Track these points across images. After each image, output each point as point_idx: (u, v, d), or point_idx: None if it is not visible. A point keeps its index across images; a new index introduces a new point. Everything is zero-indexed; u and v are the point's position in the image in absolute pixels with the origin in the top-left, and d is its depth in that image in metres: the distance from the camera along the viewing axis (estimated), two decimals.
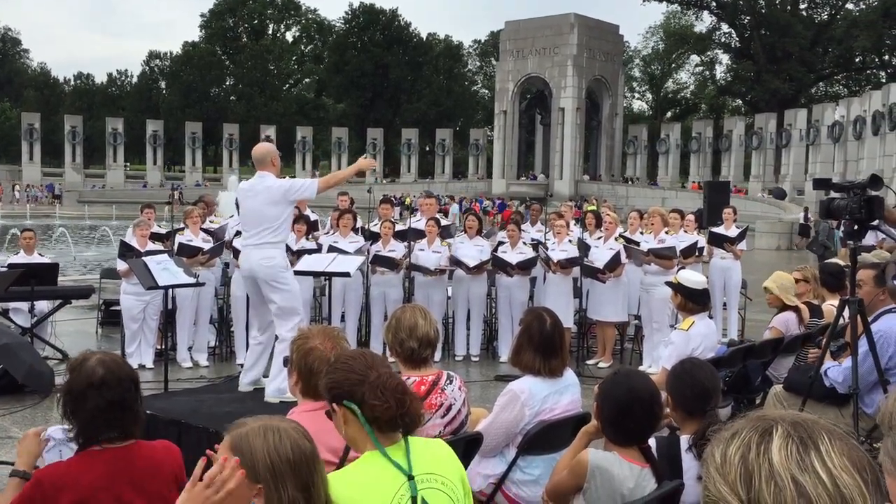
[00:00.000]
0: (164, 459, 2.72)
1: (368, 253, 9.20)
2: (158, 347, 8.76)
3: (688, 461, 3.10)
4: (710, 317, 5.81)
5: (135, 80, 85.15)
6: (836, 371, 4.99)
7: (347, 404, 2.29)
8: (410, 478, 2.23)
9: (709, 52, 71.98)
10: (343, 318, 9.25)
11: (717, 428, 1.15)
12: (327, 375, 2.41)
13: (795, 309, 6.40)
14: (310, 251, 8.67)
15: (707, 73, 75.01)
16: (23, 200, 48.47)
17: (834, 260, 8.04)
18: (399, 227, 10.03)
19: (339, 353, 3.09)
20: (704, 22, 69.80)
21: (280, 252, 6.57)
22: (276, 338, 6.60)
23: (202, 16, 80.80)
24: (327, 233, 9.85)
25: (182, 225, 9.46)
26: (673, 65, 77.76)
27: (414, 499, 2.21)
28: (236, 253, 8.55)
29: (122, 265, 8.56)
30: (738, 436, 1.09)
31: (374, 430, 2.27)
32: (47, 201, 49.72)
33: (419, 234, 9.61)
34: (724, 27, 67.94)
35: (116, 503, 2.56)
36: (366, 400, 2.27)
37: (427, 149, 67.69)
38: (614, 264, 8.96)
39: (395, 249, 9.24)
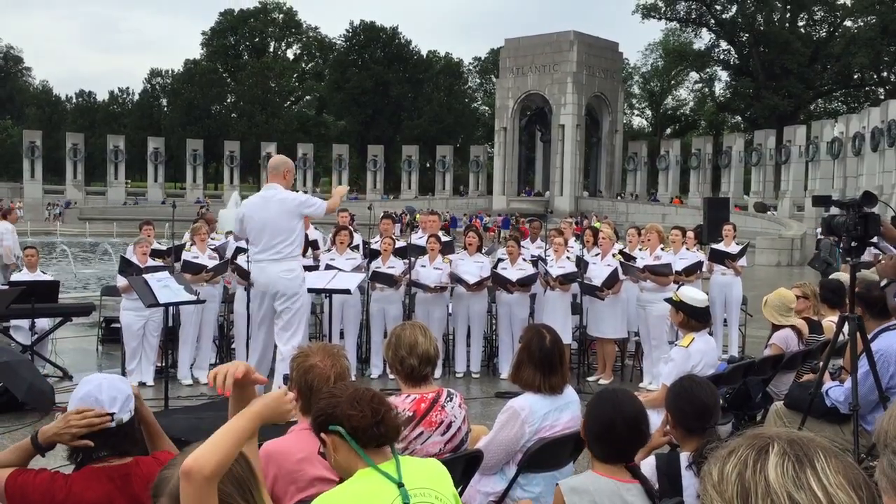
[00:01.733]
0: None
1: (367, 270, 9.21)
2: (159, 365, 8.75)
3: (688, 478, 3.10)
4: (711, 333, 5.80)
5: (136, 97, 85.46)
6: (837, 391, 4.98)
7: (332, 428, 2.30)
8: (401, 485, 2.23)
9: (708, 69, 72.28)
10: (342, 336, 9.24)
11: (715, 446, 1.16)
12: (312, 411, 2.45)
13: (792, 326, 6.39)
14: (309, 268, 8.68)
15: (706, 89, 75.29)
16: (48, 217, 48.34)
17: (835, 276, 8.04)
18: (399, 244, 10.06)
19: (338, 371, 3.10)
20: (703, 39, 70.19)
21: (299, 265, 6.61)
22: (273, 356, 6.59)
23: (204, 33, 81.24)
24: (328, 250, 9.86)
25: (184, 241, 9.47)
26: (672, 81, 78.05)
27: None
28: (241, 271, 8.57)
29: (121, 281, 8.58)
30: (735, 453, 1.10)
31: (361, 447, 2.28)
32: (66, 217, 49.52)
33: (420, 251, 9.62)
34: (723, 44, 68.28)
35: None
36: (344, 413, 2.29)
37: (427, 165, 67.80)
38: (612, 281, 8.97)
39: (395, 266, 9.25)
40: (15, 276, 9.60)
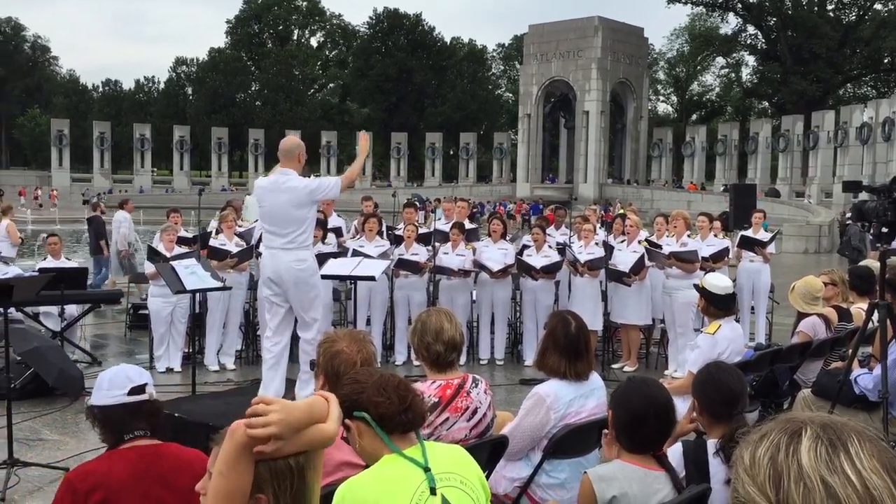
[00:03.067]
0: (194, 459, 2.78)
1: (393, 256, 9.22)
2: (186, 351, 8.84)
3: (715, 465, 3.08)
4: (737, 320, 5.75)
5: (162, 86, 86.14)
6: (866, 379, 4.93)
7: (357, 414, 2.31)
8: (427, 469, 2.24)
9: (734, 54, 71.46)
10: (368, 322, 9.27)
11: (746, 430, 1.15)
12: (338, 394, 2.44)
13: (820, 314, 6.32)
14: (333, 255, 8.72)
15: (733, 75, 74.49)
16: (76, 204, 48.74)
17: (865, 262, 7.94)
18: (423, 230, 10.07)
19: (364, 357, 3.11)
20: (730, 24, 69.39)
21: (311, 254, 6.41)
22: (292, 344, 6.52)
23: (228, 22, 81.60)
24: (353, 237, 9.89)
25: (210, 229, 9.55)
26: (698, 67, 77.24)
27: (433, 490, 2.21)
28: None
29: (149, 268, 8.67)
30: (767, 437, 1.09)
31: (386, 432, 2.29)
32: (105, 204, 49.83)
33: (444, 237, 9.63)
34: (750, 29, 67.41)
35: (144, 499, 2.63)
36: (371, 400, 2.29)
37: (451, 153, 67.76)
38: (639, 268, 8.92)
39: (418, 253, 9.26)
40: (41, 264, 9.72)
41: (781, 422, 1.11)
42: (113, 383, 2.77)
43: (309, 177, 6.79)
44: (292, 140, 6.56)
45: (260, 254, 8.80)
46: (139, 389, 2.77)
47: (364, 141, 6.90)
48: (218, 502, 1.63)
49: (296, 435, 1.67)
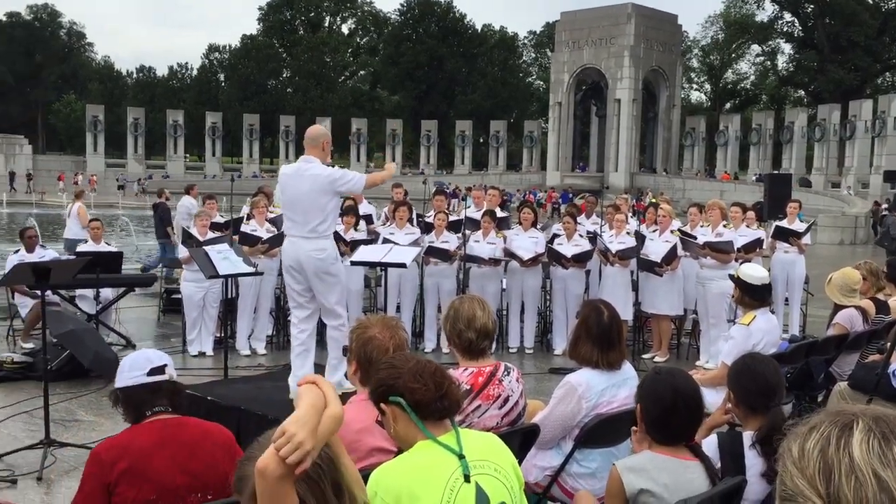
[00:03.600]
0: (214, 430, 2.91)
1: (424, 244, 9.23)
2: (218, 335, 8.93)
3: (751, 458, 3.04)
4: (772, 312, 5.68)
5: (195, 72, 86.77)
6: None
7: (393, 399, 2.30)
8: (461, 457, 2.23)
9: (770, 42, 70.36)
10: (398, 309, 9.29)
11: (794, 423, 1.13)
12: (371, 380, 2.44)
13: (857, 306, 6.22)
14: (364, 242, 8.74)
15: (768, 63, 73.37)
16: (136, 192, 49.50)
17: None
18: (453, 218, 10.06)
19: (397, 343, 3.12)
20: (766, 10, 68.27)
21: (331, 243, 6.32)
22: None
23: (260, 9, 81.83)
24: (384, 224, 9.91)
25: (242, 215, 9.62)
26: (733, 55, 76.15)
27: (467, 477, 2.21)
28: None
29: (183, 252, 8.75)
30: (817, 430, 1.07)
31: (421, 418, 2.28)
32: (142, 190, 50.38)
33: (475, 225, 9.61)
34: (787, 16, 66.33)
35: (169, 464, 2.71)
36: (407, 386, 2.29)
37: (481, 141, 67.55)
38: (671, 257, 8.84)
39: (448, 241, 9.25)
40: (80, 248, 9.86)
41: (831, 414, 1.09)
42: (133, 366, 2.88)
43: (334, 166, 6.72)
44: (318, 128, 6.52)
45: None
46: (158, 370, 2.88)
47: (390, 171, 6.90)
48: None
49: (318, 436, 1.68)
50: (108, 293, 9.41)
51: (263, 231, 9.01)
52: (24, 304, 9.13)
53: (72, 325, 7.77)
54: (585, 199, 11.78)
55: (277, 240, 9.00)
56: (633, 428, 3.12)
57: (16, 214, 33.39)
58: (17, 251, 9.33)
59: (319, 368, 6.77)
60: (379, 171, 6.97)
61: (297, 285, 6.33)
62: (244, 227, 9.09)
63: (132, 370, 2.87)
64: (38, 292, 6.50)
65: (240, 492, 1.86)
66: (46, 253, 9.26)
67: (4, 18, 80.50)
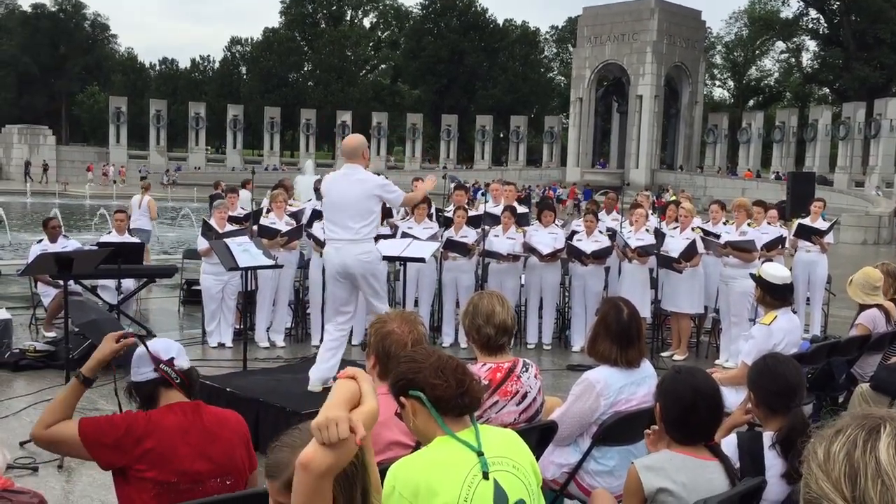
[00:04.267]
0: (230, 416, 2.98)
1: (442, 238, 9.22)
2: (237, 327, 8.98)
3: (770, 458, 3.02)
4: (794, 312, 5.63)
5: (217, 65, 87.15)
6: None
7: (413, 393, 2.30)
8: (480, 454, 2.23)
9: (795, 39, 69.66)
10: (416, 304, 9.30)
11: (819, 425, 1.11)
12: (392, 372, 2.44)
13: (880, 306, 6.15)
14: (385, 236, 8.75)
15: (793, 60, 72.65)
16: (165, 182, 49.88)
17: None
18: (473, 213, 10.05)
19: (416, 337, 3.12)
20: (791, 7, 67.56)
21: (375, 246, 6.45)
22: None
23: (282, 2, 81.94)
24: (403, 219, 9.92)
25: (261, 207, 9.66)
26: (757, 51, 75.46)
27: (486, 474, 2.20)
28: (316, 240, 8.70)
29: (203, 244, 8.80)
30: (843, 433, 1.06)
31: (441, 414, 2.28)
32: (172, 182, 50.76)
33: (494, 220, 9.59)
34: (812, 13, 65.58)
35: (192, 449, 2.77)
36: (427, 381, 2.28)
37: (501, 136, 67.41)
38: (690, 254, 8.77)
39: (468, 236, 9.24)
40: (103, 238, 9.94)
41: (858, 417, 1.08)
42: (141, 362, 2.92)
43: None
44: (355, 138, 6.60)
45: (310, 234, 8.92)
46: (167, 363, 2.91)
47: (430, 184, 7.18)
48: None
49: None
50: (129, 284, 9.49)
51: (282, 224, 9.04)
52: (47, 294, 9.23)
53: (94, 314, 7.84)
54: (607, 196, 11.72)
55: (297, 233, 9.06)
56: (647, 431, 3.10)
57: (39, 205, 33.74)
58: (39, 241, 9.42)
59: (345, 364, 6.80)
60: (415, 191, 7.38)
61: (343, 292, 6.40)
62: (263, 221, 9.13)
63: (140, 366, 2.92)
64: (61, 282, 6.56)
65: (273, 477, 1.85)
66: (69, 243, 9.34)
67: (29, 10, 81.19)
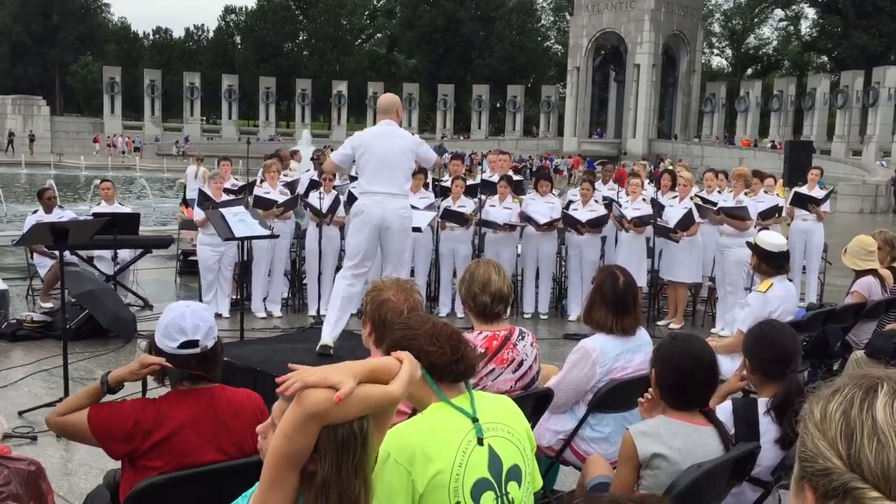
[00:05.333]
0: (246, 403, 2.85)
1: (439, 208, 9.21)
2: (234, 297, 8.98)
3: (765, 424, 3.03)
4: (790, 279, 5.64)
5: (211, 34, 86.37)
6: None
7: None
8: (475, 420, 2.24)
9: (794, 7, 69.17)
10: (413, 273, 9.30)
11: (816, 385, 1.11)
12: (387, 340, 2.42)
13: (876, 273, 6.17)
14: None
15: (791, 28, 72.17)
16: (175, 153, 49.68)
17: None
18: (470, 182, 10.02)
19: (411, 305, 3.11)
20: None
21: (408, 203, 6.66)
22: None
23: None
24: None
25: (256, 178, 9.62)
26: (755, 19, 74.90)
27: (480, 440, 2.21)
28: (314, 210, 8.68)
29: (199, 214, 8.77)
30: (840, 392, 1.06)
31: (436, 381, 2.28)
32: (177, 152, 50.50)
33: (491, 187, 9.57)
34: None
35: (202, 438, 2.70)
36: (422, 348, 2.28)
37: (498, 105, 67.10)
38: (686, 223, 8.77)
39: (465, 205, 9.23)
40: (95, 209, 9.90)
41: (856, 377, 1.08)
42: (167, 331, 2.76)
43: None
44: (390, 96, 6.78)
45: (308, 203, 8.89)
46: (191, 344, 2.75)
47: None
48: (279, 461, 1.65)
49: (361, 398, 1.66)
50: (125, 254, 9.47)
51: (277, 194, 9.02)
52: (43, 265, 9.22)
53: (90, 285, 7.83)
54: (604, 167, 11.70)
55: (292, 203, 9.03)
56: (640, 399, 3.12)
57: (35, 175, 33.61)
58: (35, 212, 9.39)
59: (349, 335, 6.76)
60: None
61: (369, 245, 6.39)
62: (257, 191, 9.10)
63: (165, 337, 2.76)
64: (57, 252, 6.54)
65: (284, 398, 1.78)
66: (65, 214, 9.31)
67: None
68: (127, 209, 10.00)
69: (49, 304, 8.79)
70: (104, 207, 9.58)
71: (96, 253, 9.35)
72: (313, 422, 1.61)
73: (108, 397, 2.83)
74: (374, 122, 7.16)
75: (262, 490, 1.67)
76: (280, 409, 1.71)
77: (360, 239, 6.51)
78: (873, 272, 6.15)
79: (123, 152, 50.75)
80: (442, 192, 9.66)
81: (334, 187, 9.21)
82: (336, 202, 8.91)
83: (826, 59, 68.16)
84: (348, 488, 1.67)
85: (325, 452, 1.64)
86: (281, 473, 1.64)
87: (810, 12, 68.74)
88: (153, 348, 2.83)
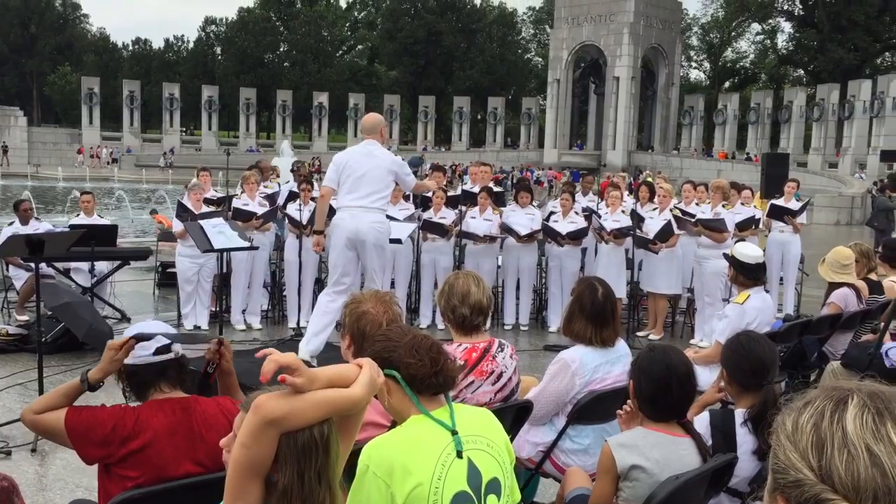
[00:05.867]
0: (218, 413, 2.82)
1: (419, 220, 9.22)
2: (213, 309, 8.92)
3: (742, 435, 3.05)
4: (767, 291, 5.69)
5: (191, 45, 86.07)
6: None
7: (388, 372, 2.29)
8: (454, 432, 2.23)
9: (770, 21, 69.95)
10: (393, 285, 9.29)
11: (789, 398, 1.13)
12: (366, 351, 2.42)
13: (852, 285, 6.24)
14: None
15: (768, 41, 72.99)
16: (163, 165, 49.23)
17: None
18: (451, 193, 10.04)
19: (390, 318, 3.11)
20: None
21: (385, 218, 6.81)
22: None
23: None
24: None
25: (238, 191, 9.58)
26: (733, 33, 75.72)
27: (459, 453, 2.21)
28: (293, 221, 8.68)
29: (178, 226, 8.72)
30: (812, 404, 1.07)
31: (416, 393, 2.28)
32: (164, 164, 50.07)
33: (472, 198, 9.60)
34: None
35: (178, 450, 2.67)
36: (402, 360, 2.28)
37: (479, 117, 67.28)
38: (665, 235, 8.83)
39: (446, 217, 9.24)
40: (73, 220, 9.81)
41: (827, 389, 1.09)
42: (138, 344, 2.76)
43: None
44: (374, 116, 7.07)
45: (288, 215, 8.87)
46: (165, 349, 2.77)
47: (431, 186, 8.16)
48: (240, 471, 1.64)
49: (318, 401, 1.66)
50: (103, 266, 9.39)
51: (255, 205, 8.99)
52: (19, 277, 9.11)
53: (66, 297, 7.75)
54: (584, 179, 11.76)
55: (272, 214, 9.00)
56: (619, 411, 3.13)
57: (10, 186, 33.26)
58: (11, 223, 9.29)
59: (329, 346, 6.78)
60: (426, 182, 8.18)
61: (346, 260, 6.66)
62: (236, 202, 9.07)
63: (138, 349, 2.76)
64: (33, 265, 6.47)
65: (244, 408, 1.79)
66: (41, 225, 9.21)
67: None
68: (105, 221, 9.91)
69: (24, 317, 8.69)
70: (82, 219, 9.49)
71: (73, 265, 9.26)
72: (270, 428, 1.60)
73: (90, 397, 2.79)
74: (356, 135, 7.35)
75: (227, 502, 1.66)
76: (240, 420, 1.71)
77: (335, 253, 6.74)
78: (849, 284, 6.22)
79: (108, 163, 50.36)
80: (423, 203, 9.67)
81: (264, 196, 9.29)
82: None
83: (802, 72, 69.00)
84: (312, 496, 1.66)
85: (285, 460, 1.63)
86: (242, 484, 1.64)
87: (787, 26, 69.70)
88: (121, 374, 2.80)
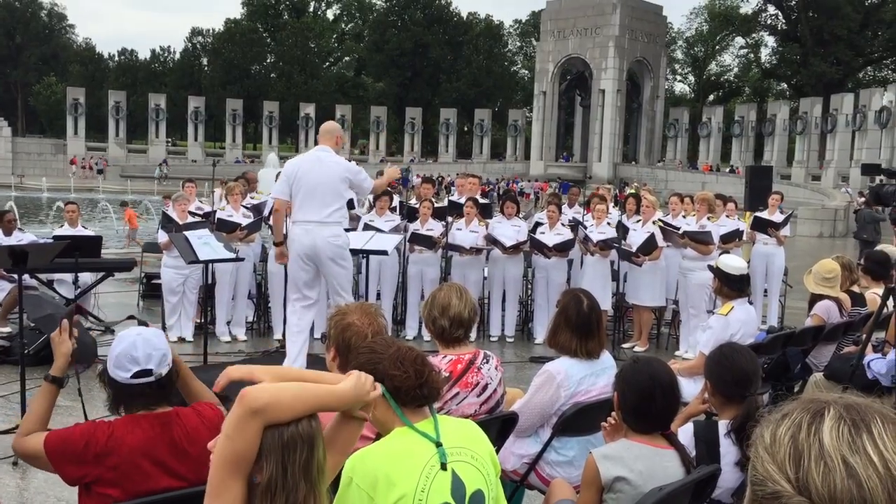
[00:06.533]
0: (200, 426, 2.75)
1: (406, 231, 9.22)
2: (198, 321, 8.88)
3: (726, 446, 3.07)
4: (751, 303, 5.72)
5: (177, 56, 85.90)
6: (880, 363, 4.90)
7: None
8: (438, 444, 2.23)
9: (754, 35, 70.65)
10: (379, 296, 9.28)
11: (768, 410, 1.14)
12: (351, 363, 2.42)
13: (835, 297, 6.28)
14: (346, 229, 8.70)
15: (752, 55, 73.66)
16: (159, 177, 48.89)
17: (881, 247, 7.87)
18: (438, 205, 10.05)
19: (375, 329, 3.11)
20: (750, 3, 68.84)
21: (343, 230, 6.58)
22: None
23: None
24: (367, 211, 9.89)
25: (223, 203, 9.56)
26: (717, 47, 76.39)
27: (444, 465, 2.21)
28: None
29: (163, 237, 8.68)
30: (789, 416, 1.08)
31: (400, 405, 2.28)
32: (159, 175, 49.76)
33: (458, 209, 9.61)
34: (771, 9, 66.63)
35: (157, 467, 2.62)
36: (387, 372, 2.28)
37: (465, 129, 67.48)
38: (649, 247, 8.87)
39: (433, 229, 9.24)
40: (56, 231, 9.76)
41: (804, 402, 1.10)
42: (119, 361, 2.68)
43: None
44: (331, 123, 6.89)
45: (271, 226, 8.84)
46: (144, 373, 2.68)
47: (393, 173, 7.37)
48: (222, 464, 1.63)
49: (302, 394, 1.68)
50: (87, 278, 9.32)
51: (240, 216, 8.97)
52: (1, 288, 9.03)
53: (50, 309, 7.70)
54: (570, 191, 11.80)
55: (256, 226, 8.98)
56: (603, 423, 3.14)
57: None
58: None
59: (315, 358, 6.78)
60: (380, 177, 7.44)
61: (306, 275, 6.50)
62: (220, 214, 9.04)
63: (117, 368, 2.68)
64: (16, 276, 6.42)
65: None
66: (25, 236, 9.15)
67: None
68: (89, 232, 9.85)
69: (7, 329, 8.61)
70: (66, 230, 9.44)
71: (56, 276, 9.20)
72: (255, 418, 1.61)
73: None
74: (343, 147, 7.23)
75: (206, 500, 1.66)
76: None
77: (293, 268, 6.63)
78: (831, 297, 6.26)
79: (100, 172, 50.11)
80: (409, 215, 9.67)
81: (249, 207, 9.23)
82: None
83: (785, 85, 69.65)
84: (295, 491, 1.66)
85: (269, 453, 1.64)
86: (224, 480, 1.63)
87: (770, 40, 70.40)
88: (105, 378, 2.74)
